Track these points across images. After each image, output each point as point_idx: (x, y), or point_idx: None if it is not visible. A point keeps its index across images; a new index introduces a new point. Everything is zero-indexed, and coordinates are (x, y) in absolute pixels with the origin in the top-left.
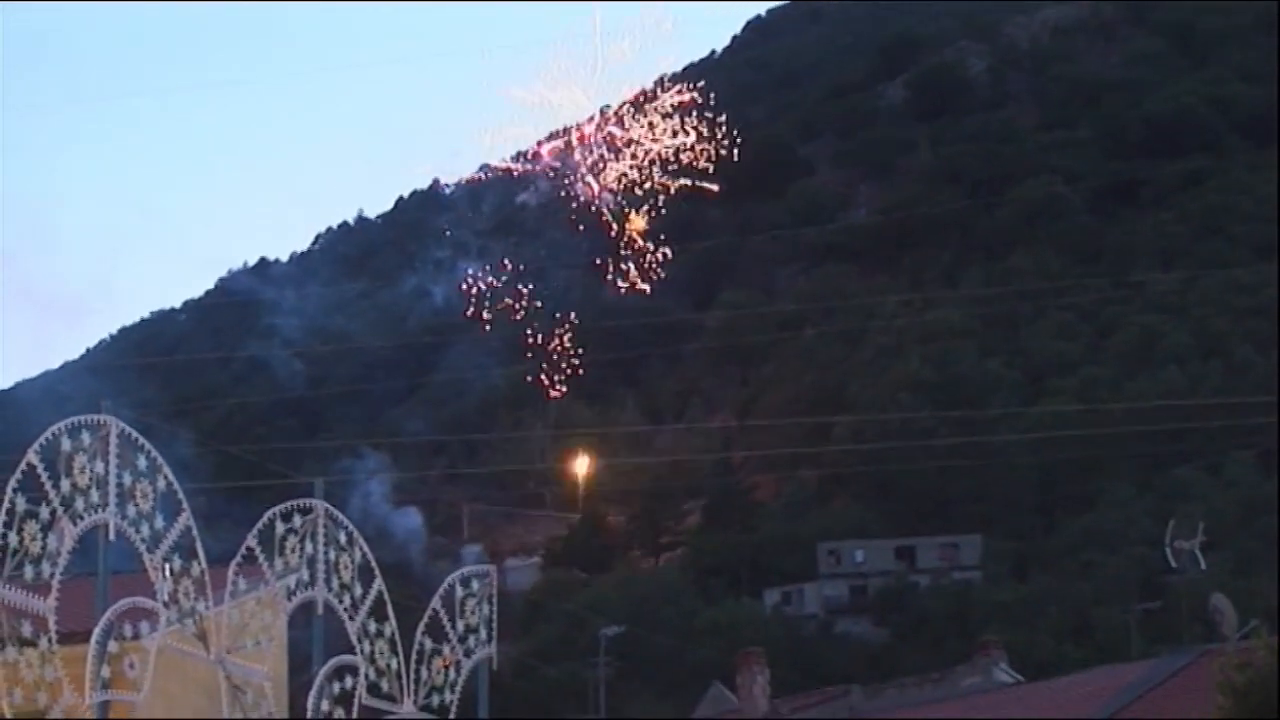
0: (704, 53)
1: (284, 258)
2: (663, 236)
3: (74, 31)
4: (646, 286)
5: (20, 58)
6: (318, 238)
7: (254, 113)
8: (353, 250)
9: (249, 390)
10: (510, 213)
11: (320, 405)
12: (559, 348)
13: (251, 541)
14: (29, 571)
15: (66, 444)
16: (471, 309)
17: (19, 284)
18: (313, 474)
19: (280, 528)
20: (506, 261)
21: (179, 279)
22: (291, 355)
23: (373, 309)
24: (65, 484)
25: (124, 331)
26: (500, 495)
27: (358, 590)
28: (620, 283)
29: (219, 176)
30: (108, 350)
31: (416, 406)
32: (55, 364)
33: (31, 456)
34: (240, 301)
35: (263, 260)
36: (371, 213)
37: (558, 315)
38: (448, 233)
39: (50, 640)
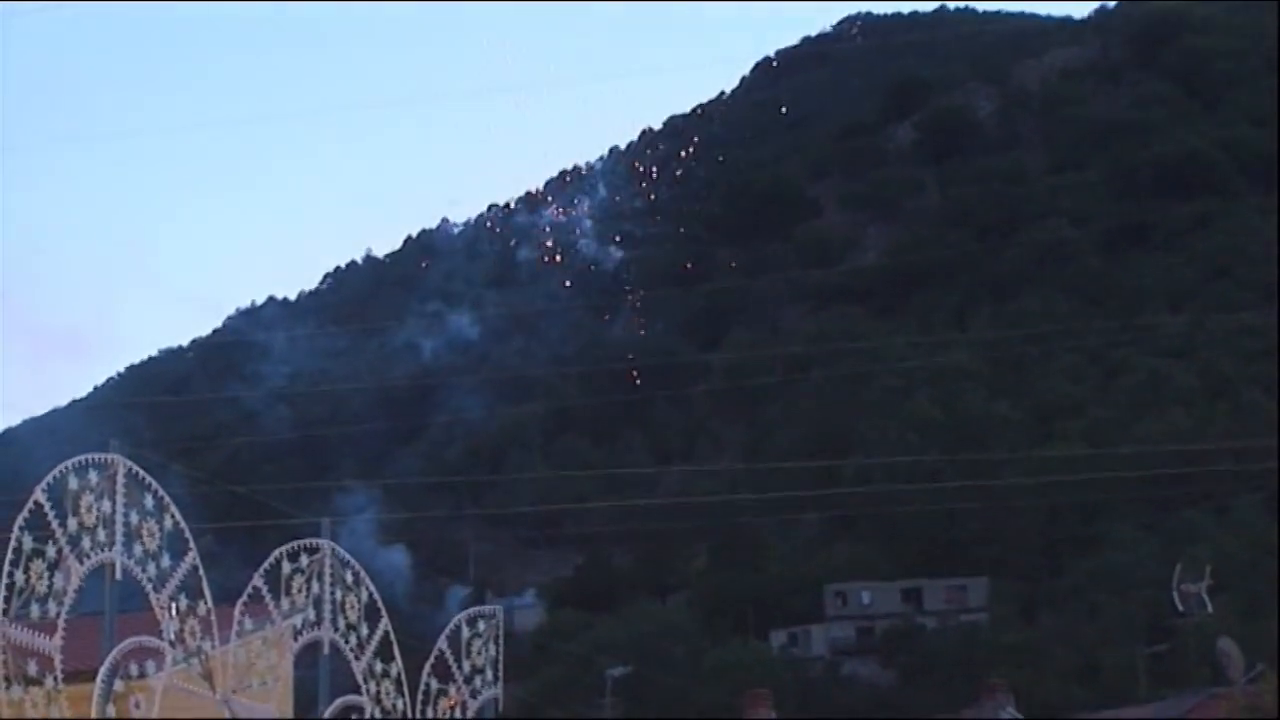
0: (713, 94)
1: (293, 296)
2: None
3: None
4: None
5: (21, 92)
6: (326, 276)
7: (269, 148)
8: (360, 289)
9: (254, 429)
10: (507, 266)
11: (327, 445)
12: None
13: (258, 581)
14: (35, 610)
15: (73, 482)
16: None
17: (23, 321)
18: (317, 514)
19: (287, 567)
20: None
21: (188, 317)
22: (279, 400)
23: (373, 352)
24: (72, 522)
25: (131, 370)
26: (506, 534)
27: (364, 630)
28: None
29: (231, 212)
30: (115, 388)
31: (421, 446)
32: (63, 402)
33: (39, 494)
34: (245, 342)
35: (270, 299)
36: (380, 251)
37: None
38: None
39: (56, 679)
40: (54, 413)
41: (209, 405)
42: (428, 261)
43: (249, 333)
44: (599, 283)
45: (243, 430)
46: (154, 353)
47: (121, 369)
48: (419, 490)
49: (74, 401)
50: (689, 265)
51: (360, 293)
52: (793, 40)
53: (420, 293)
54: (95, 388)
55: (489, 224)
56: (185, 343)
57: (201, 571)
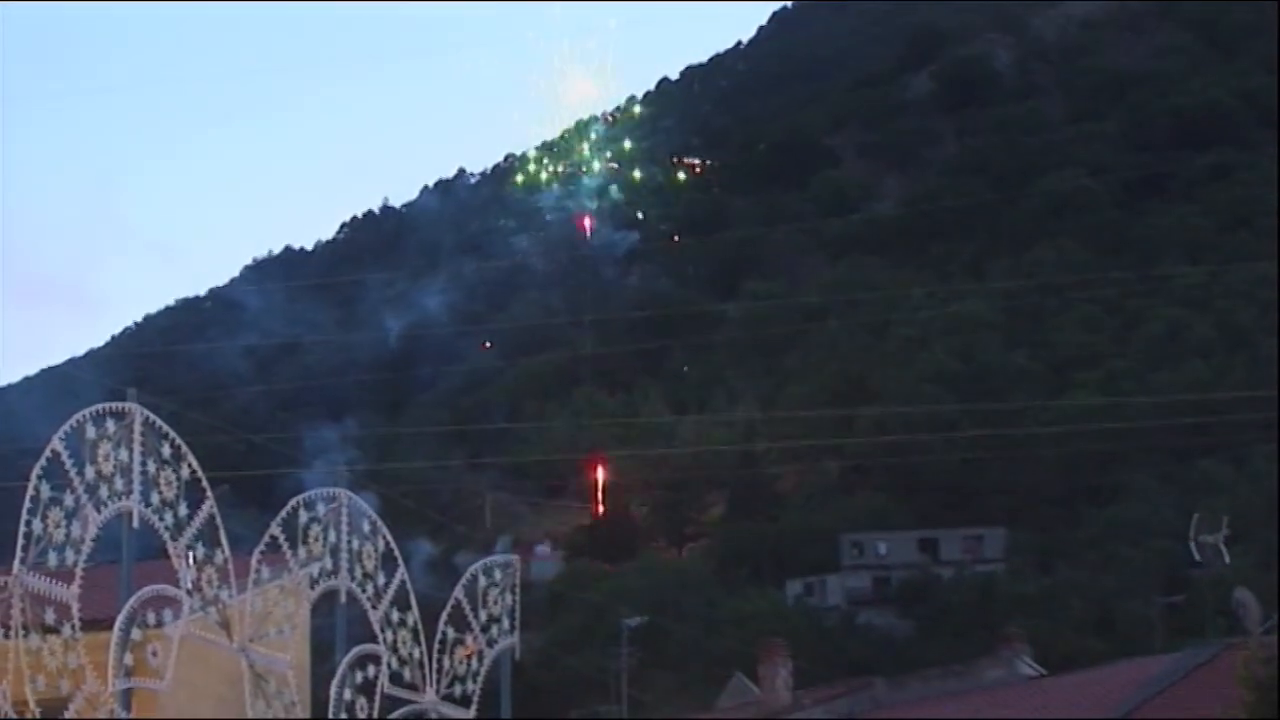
0: (730, 44)
1: (309, 246)
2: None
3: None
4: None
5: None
6: (342, 226)
7: (291, 98)
8: (375, 240)
9: (271, 379)
10: (527, 216)
11: (344, 393)
12: None
13: (275, 529)
14: (53, 558)
15: (91, 431)
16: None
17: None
18: (330, 464)
19: (303, 516)
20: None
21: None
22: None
23: (390, 302)
24: (89, 471)
25: (148, 319)
26: (523, 485)
27: (380, 579)
28: None
29: (255, 161)
30: (132, 338)
31: (440, 395)
32: (80, 350)
33: (56, 443)
34: (266, 291)
35: (287, 249)
36: (397, 200)
37: None
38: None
39: (73, 627)
40: (71, 360)
41: (228, 354)
42: (444, 211)
43: (260, 282)
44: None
45: (256, 381)
46: (171, 302)
47: (138, 318)
48: (448, 440)
49: (90, 350)
50: (706, 215)
51: (375, 243)
52: None
53: (436, 243)
54: (112, 337)
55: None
56: (172, 302)
57: (219, 520)
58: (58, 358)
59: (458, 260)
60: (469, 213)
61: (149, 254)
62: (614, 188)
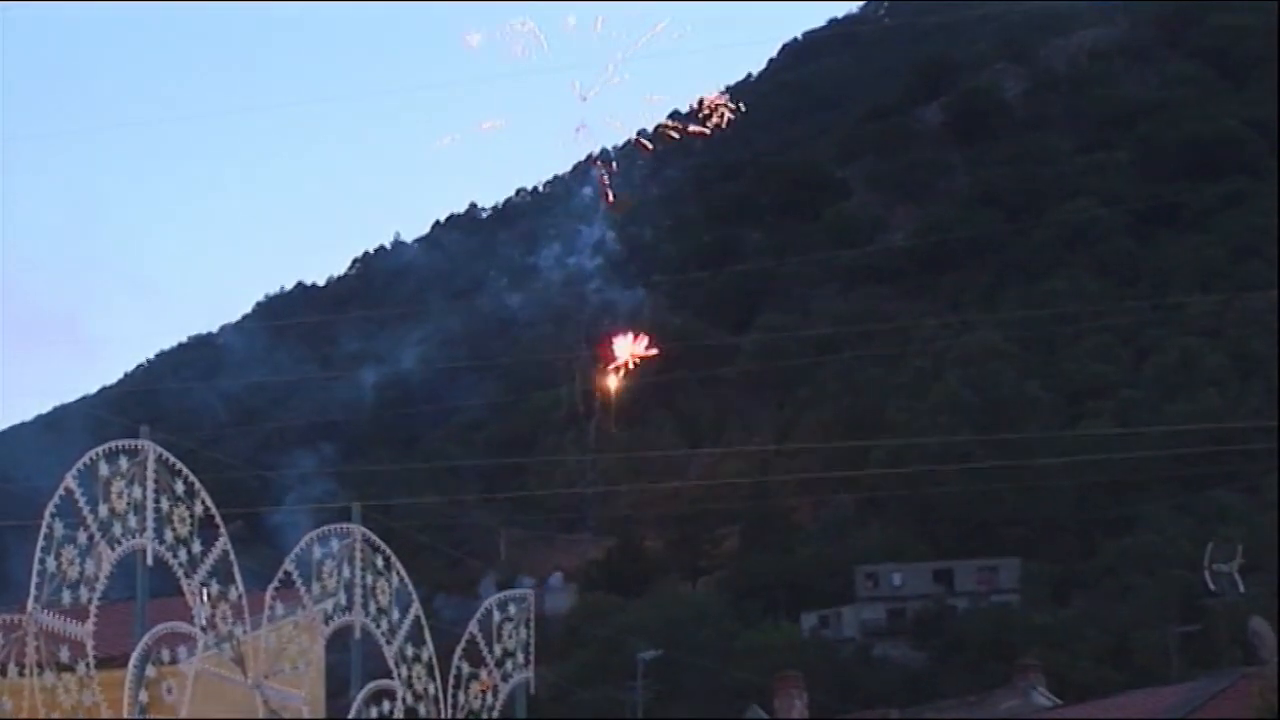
0: (740, 76)
1: (321, 282)
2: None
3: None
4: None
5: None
6: (355, 262)
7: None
8: (383, 276)
9: (286, 414)
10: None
11: (359, 430)
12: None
13: (289, 565)
14: (67, 596)
15: (104, 469)
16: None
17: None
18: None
19: (318, 552)
20: None
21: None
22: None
23: (400, 338)
24: (103, 509)
25: (161, 356)
26: (537, 519)
27: (395, 614)
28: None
29: (268, 193)
30: (146, 374)
31: (451, 430)
32: (93, 389)
33: (69, 481)
34: (276, 327)
35: (299, 285)
36: (408, 236)
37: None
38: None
39: (88, 665)
40: (84, 399)
41: (242, 389)
42: (454, 245)
43: (284, 316)
44: (626, 266)
45: (279, 415)
46: (184, 339)
47: (151, 355)
48: (446, 474)
49: (103, 388)
50: (717, 247)
51: (384, 279)
52: (819, 22)
53: (445, 277)
54: (125, 374)
55: (518, 206)
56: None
57: (233, 556)
58: (55, 400)
59: (466, 297)
60: (470, 255)
61: (150, 292)
62: (611, 236)
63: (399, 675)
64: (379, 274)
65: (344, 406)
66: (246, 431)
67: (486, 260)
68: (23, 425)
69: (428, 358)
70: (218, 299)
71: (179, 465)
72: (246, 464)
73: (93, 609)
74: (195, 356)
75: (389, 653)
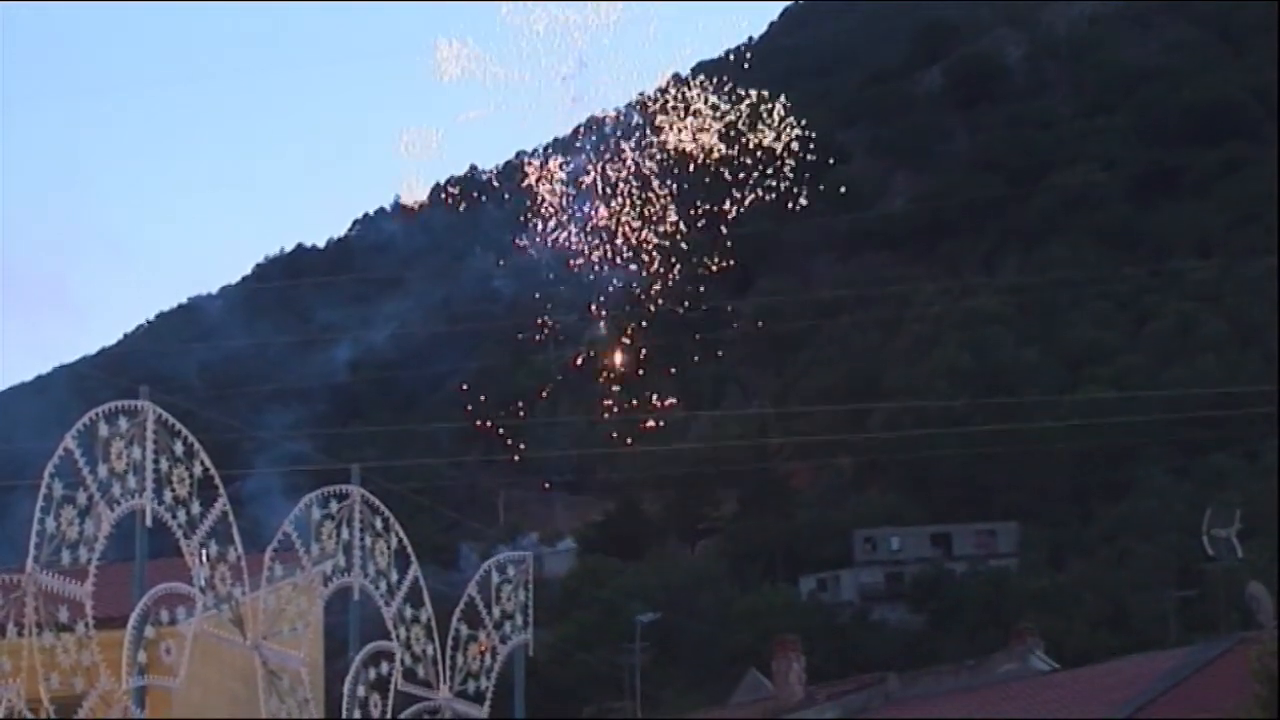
0: (740, 40)
1: (320, 243)
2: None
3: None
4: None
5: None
6: (354, 224)
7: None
8: (388, 239)
9: (287, 376)
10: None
11: (357, 391)
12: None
13: (288, 527)
14: (66, 556)
15: (104, 429)
16: None
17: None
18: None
19: (317, 513)
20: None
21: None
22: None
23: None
24: (102, 469)
25: (161, 317)
26: (536, 481)
27: (394, 576)
28: None
29: (261, 161)
30: (145, 335)
31: (453, 394)
32: (93, 349)
33: (69, 442)
34: (278, 288)
35: (299, 246)
36: (409, 200)
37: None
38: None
39: (87, 625)
40: (84, 359)
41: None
42: (456, 208)
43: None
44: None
45: (279, 377)
46: (183, 300)
47: (151, 316)
48: (461, 436)
49: (103, 349)
50: (717, 212)
51: (386, 242)
52: None
53: (447, 240)
54: (125, 335)
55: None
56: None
57: (231, 518)
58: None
59: (469, 260)
60: (479, 208)
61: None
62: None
63: (397, 637)
64: (361, 249)
65: (340, 370)
66: (240, 393)
67: (471, 236)
68: (21, 386)
69: (429, 322)
70: (217, 264)
71: (178, 426)
72: (246, 426)
73: (92, 569)
74: (187, 321)
75: (387, 614)
